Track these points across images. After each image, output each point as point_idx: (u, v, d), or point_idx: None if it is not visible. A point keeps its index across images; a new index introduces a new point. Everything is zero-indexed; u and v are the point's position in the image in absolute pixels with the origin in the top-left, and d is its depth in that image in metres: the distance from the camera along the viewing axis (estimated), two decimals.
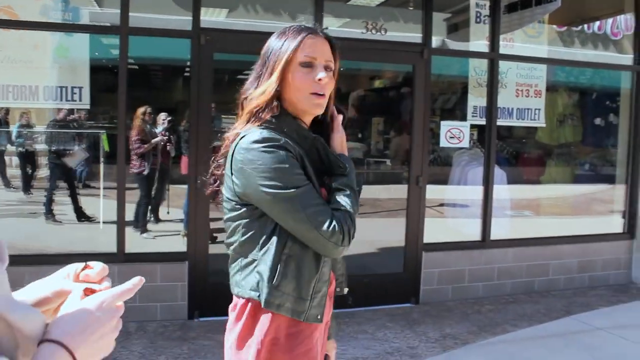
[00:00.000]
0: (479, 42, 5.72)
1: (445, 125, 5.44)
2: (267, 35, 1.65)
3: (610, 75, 6.68)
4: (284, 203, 1.48)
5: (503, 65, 5.75)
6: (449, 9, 5.96)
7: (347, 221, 1.51)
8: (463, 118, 5.65)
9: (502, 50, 5.63)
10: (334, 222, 1.48)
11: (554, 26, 6.20)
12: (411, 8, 5.66)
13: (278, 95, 1.56)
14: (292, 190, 1.47)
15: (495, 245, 5.60)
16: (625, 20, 6.36)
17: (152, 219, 6.21)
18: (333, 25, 5.21)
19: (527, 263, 5.74)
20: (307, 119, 1.63)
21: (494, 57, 5.54)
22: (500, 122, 5.74)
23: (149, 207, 6.14)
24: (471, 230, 5.71)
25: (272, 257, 1.51)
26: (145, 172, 5.99)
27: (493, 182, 5.59)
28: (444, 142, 5.42)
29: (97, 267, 0.84)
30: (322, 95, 1.57)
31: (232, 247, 1.60)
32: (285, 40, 1.57)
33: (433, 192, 5.62)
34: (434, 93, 5.89)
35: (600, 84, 6.87)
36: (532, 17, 5.13)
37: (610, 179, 6.71)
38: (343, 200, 1.54)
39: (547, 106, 6.15)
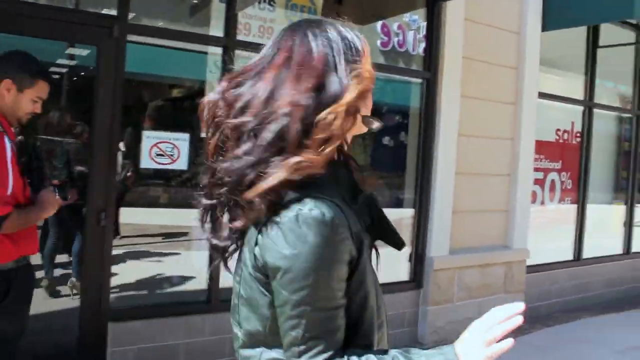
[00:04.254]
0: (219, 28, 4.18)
1: (151, 138, 3.74)
2: None
3: (402, 89, 5.52)
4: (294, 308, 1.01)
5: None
6: None
7: None
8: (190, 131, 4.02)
9: (243, 37, 4.13)
10: None
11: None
12: None
13: None
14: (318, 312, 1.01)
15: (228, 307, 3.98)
16: None
17: None
18: None
19: None
20: None
21: (228, 44, 4.00)
22: None
23: None
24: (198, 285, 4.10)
25: None
26: None
27: None
28: (147, 162, 3.72)
29: None
30: None
31: (243, 332, 1.12)
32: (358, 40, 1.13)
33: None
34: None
35: (392, 100, 5.67)
36: None
37: (398, 208, 5.46)
38: None
39: None
